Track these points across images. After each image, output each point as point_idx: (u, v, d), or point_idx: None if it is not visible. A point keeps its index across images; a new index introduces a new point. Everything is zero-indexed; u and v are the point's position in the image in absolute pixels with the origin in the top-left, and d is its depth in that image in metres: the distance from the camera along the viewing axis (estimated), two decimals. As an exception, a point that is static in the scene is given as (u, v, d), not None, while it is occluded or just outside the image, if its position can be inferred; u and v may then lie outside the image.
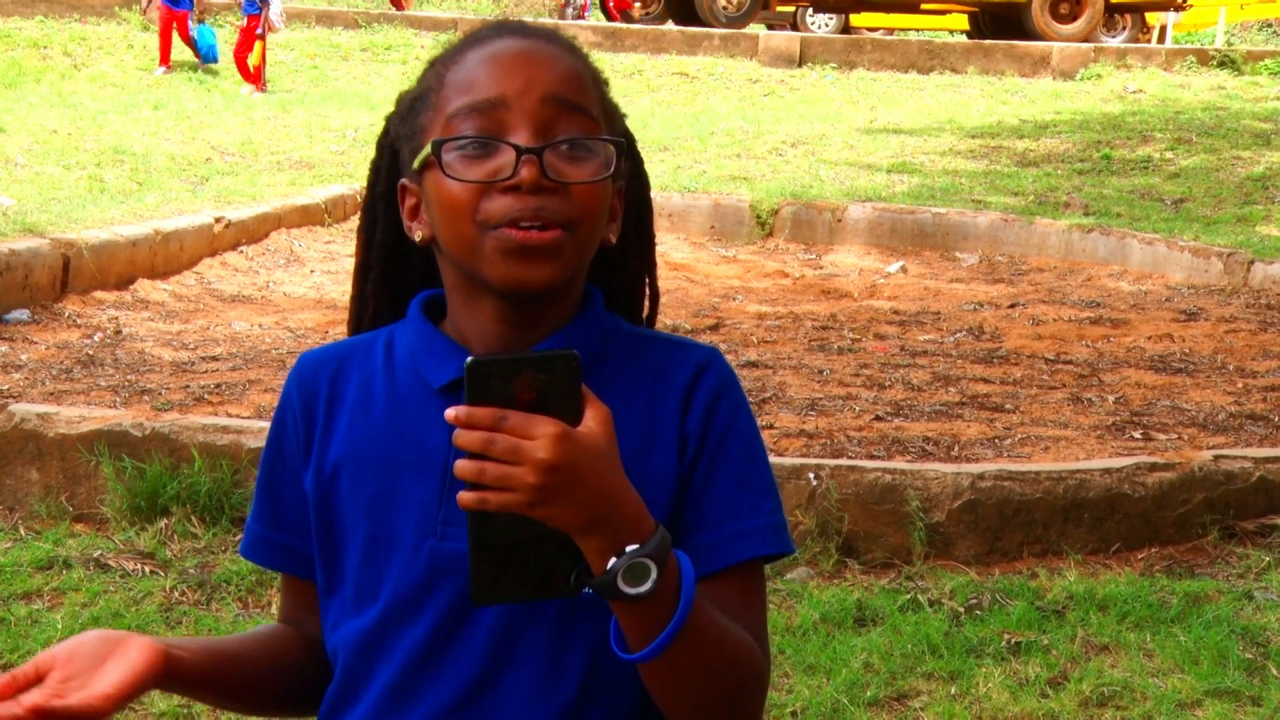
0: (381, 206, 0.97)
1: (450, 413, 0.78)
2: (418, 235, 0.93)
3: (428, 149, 0.88)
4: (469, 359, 0.78)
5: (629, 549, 0.80)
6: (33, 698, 0.83)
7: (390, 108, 0.99)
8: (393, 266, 0.98)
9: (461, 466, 0.78)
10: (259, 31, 8.77)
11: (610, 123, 0.92)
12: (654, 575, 0.80)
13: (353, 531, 0.92)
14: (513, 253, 0.86)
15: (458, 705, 0.89)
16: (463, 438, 0.78)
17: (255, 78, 8.81)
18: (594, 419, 0.80)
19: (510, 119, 0.87)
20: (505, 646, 0.89)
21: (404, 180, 0.94)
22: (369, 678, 0.92)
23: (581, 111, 0.88)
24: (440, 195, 0.88)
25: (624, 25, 10.39)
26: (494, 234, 0.87)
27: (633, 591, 0.80)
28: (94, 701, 0.83)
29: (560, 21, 10.58)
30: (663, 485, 0.88)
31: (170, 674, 0.88)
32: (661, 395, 0.91)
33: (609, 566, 0.80)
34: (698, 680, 0.84)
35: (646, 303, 1.02)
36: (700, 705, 0.86)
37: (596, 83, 0.92)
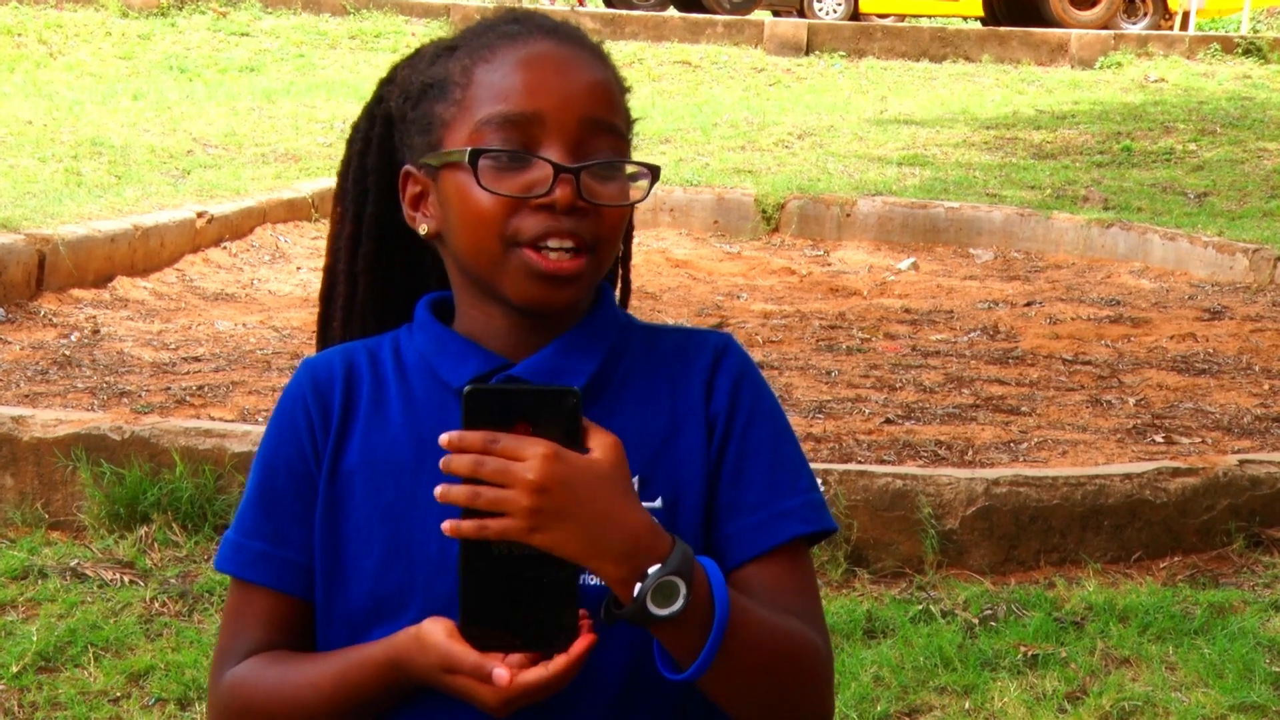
0: (374, 179, 0.95)
1: (444, 438, 0.78)
2: (423, 228, 0.92)
3: (459, 154, 0.87)
4: (467, 388, 0.78)
5: (651, 570, 0.79)
6: None
7: (383, 75, 0.96)
8: (386, 242, 0.96)
9: (454, 491, 0.78)
10: None
11: (630, 131, 0.93)
12: (683, 591, 0.80)
13: (366, 540, 0.90)
14: (539, 277, 0.87)
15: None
16: (453, 462, 0.78)
17: None
18: (599, 446, 0.80)
19: (545, 135, 0.87)
20: None
21: (409, 167, 0.92)
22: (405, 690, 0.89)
23: (614, 131, 0.90)
24: (466, 203, 0.88)
25: (624, 12, 10.30)
26: (520, 254, 0.87)
27: (665, 612, 0.79)
28: None
29: (555, 7, 10.49)
30: (693, 466, 0.88)
31: None
32: (683, 379, 0.92)
33: (635, 593, 0.79)
34: (755, 679, 0.85)
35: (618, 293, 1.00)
36: (765, 702, 0.86)
37: (621, 91, 0.93)
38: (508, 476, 0.77)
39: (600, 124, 0.88)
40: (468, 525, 0.78)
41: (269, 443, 0.93)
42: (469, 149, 0.87)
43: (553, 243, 0.86)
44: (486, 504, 0.77)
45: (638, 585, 0.79)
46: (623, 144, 0.90)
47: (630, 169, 0.90)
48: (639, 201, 0.90)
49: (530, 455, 0.77)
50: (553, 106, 0.87)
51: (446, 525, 0.79)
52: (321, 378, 0.93)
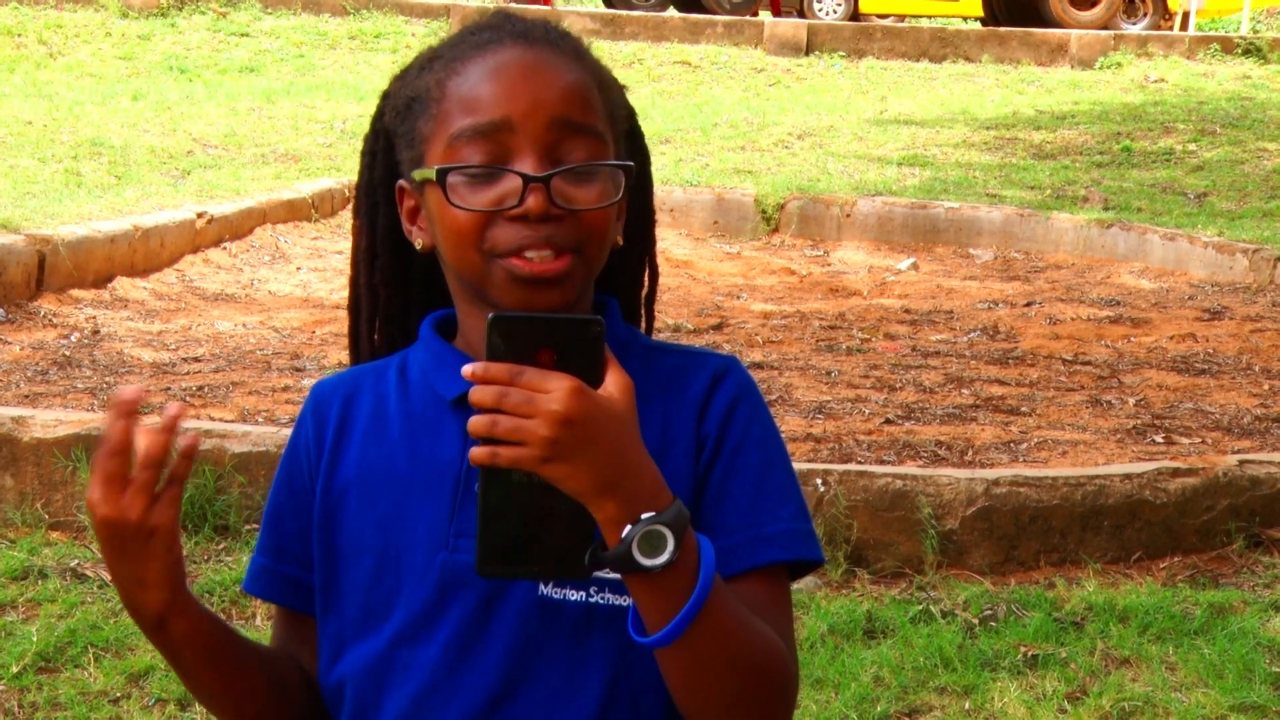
0: (382, 191, 0.95)
1: (467, 369, 0.78)
2: (419, 243, 0.93)
3: (431, 172, 0.88)
4: (491, 314, 0.79)
5: (644, 516, 0.78)
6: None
7: (384, 87, 0.96)
8: (401, 253, 0.97)
9: (474, 421, 0.78)
10: None
11: (615, 128, 0.92)
12: (671, 545, 0.79)
13: (358, 551, 0.91)
14: (522, 282, 0.87)
15: None
16: (477, 393, 0.78)
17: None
18: (615, 385, 0.80)
19: (515, 143, 0.87)
20: (522, 660, 0.88)
21: (401, 182, 0.94)
22: (380, 703, 0.90)
23: (589, 132, 0.88)
24: (444, 220, 0.89)
25: (623, 12, 10.28)
26: (502, 263, 0.87)
27: (649, 563, 0.78)
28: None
29: (559, 9, 10.47)
30: (678, 486, 0.86)
31: (179, 604, 0.86)
32: (678, 403, 0.91)
33: (624, 535, 0.78)
34: (719, 671, 0.83)
35: (646, 281, 1.00)
36: (723, 702, 0.84)
37: (603, 89, 0.92)
38: (531, 407, 0.76)
39: (572, 125, 0.87)
40: (480, 452, 0.77)
41: (281, 462, 0.96)
42: (436, 168, 0.87)
43: (530, 254, 0.86)
44: (504, 433, 0.77)
45: (628, 528, 0.78)
46: (601, 144, 0.89)
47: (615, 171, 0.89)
48: (614, 202, 0.88)
49: (555, 388, 0.77)
50: (521, 113, 0.87)
51: (471, 452, 0.78)
52: (323, 398, 0.95)
